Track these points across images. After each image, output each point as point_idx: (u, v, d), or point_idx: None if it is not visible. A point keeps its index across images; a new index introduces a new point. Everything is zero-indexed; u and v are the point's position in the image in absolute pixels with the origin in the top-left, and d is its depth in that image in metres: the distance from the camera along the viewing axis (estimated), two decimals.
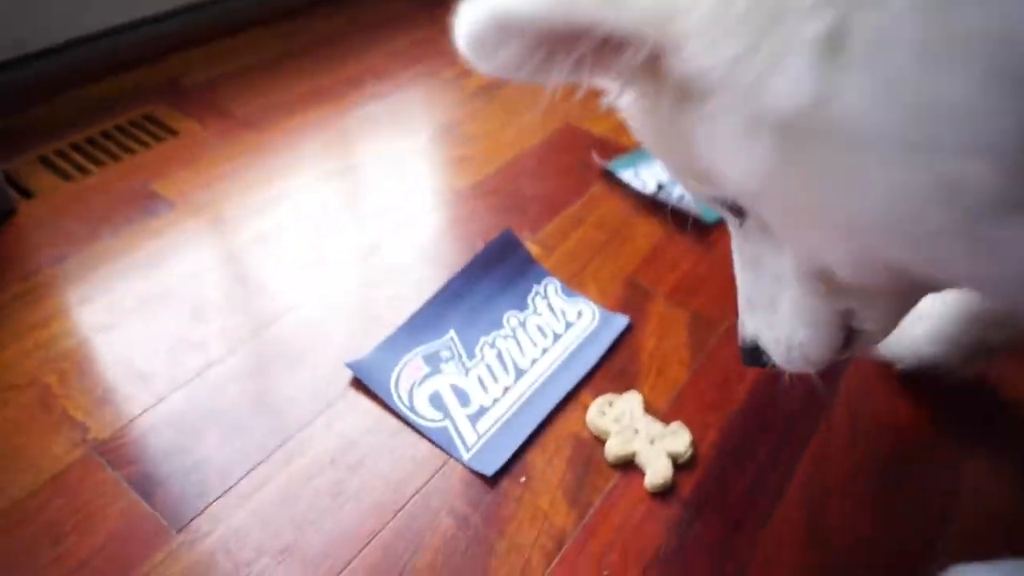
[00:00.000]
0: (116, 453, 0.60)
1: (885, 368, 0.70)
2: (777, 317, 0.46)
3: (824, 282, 0.42)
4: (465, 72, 1.19)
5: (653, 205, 0.91)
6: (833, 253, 0.38)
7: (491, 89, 1.15)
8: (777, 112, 0.30)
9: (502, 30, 0.33)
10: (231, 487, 0.58)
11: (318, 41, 1.24)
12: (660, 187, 0.93)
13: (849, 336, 0.46)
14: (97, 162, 0.93)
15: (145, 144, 0.97)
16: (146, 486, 0.57)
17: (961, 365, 0.66)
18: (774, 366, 0.50)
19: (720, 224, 0.89)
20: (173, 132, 0.99)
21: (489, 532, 0.56)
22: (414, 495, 0.58)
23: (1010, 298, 0.42)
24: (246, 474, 0.59)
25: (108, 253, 0.79)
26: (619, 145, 1.02)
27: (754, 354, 0.50)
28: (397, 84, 1.14)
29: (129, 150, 0.95)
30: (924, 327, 0.67)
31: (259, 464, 0.59)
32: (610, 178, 0.95)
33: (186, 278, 0.77)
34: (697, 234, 0.87)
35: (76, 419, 0.62)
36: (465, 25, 0.34)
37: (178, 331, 0.71)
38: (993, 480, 0.63)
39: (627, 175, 0.94)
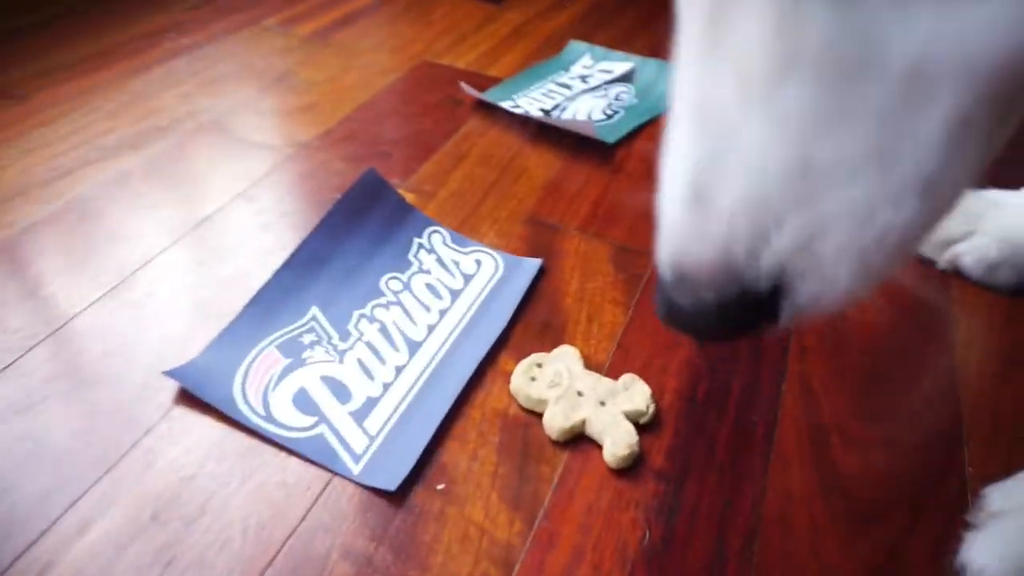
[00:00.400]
0: None
1: None
2: (897, 173, 0.21)
3: None
4: (294, 18, 0.99)
5: (541, 132, 0.76)
6: None
7: (326, 32, 0.96)
8: None
9: None
10: None
11: None
12: (545, 112, 0.78)
13: None
14: None
15: None
16: None
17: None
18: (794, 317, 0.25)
19: (621, 145, 0.76)
20: None
21: (406, 570, 0.39)
22: (288, 539, 0.40)
23: None
24: (10, 565, 0.38)
25: None
26: (487, 78, 0.87)
27: (767, 306, 0.24)
28: (208, 37, 0.93)
29: None
30: None
31: (30, 545, 0.38)
32: (486, 109, 0.79)
33: None
34: (599, 158, 0.73)
35: None
36: None
37: None
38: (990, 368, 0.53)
39: (506, 105, 0.79)
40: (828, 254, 0.22)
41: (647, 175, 0.71)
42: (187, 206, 0.64)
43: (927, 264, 0.62)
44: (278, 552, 0.39)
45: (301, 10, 1.02)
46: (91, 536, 0.39)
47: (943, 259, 0.61)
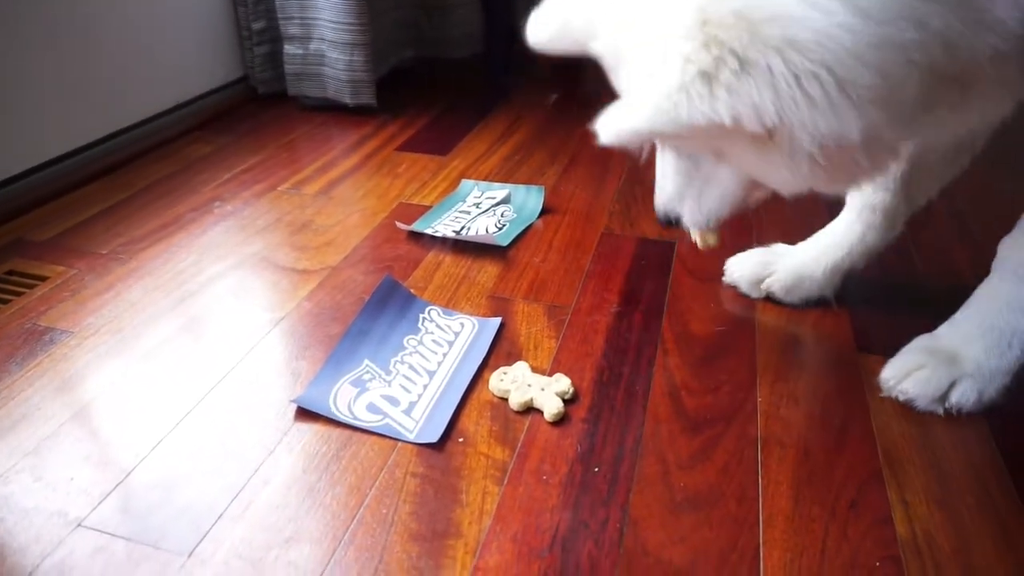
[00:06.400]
0: None
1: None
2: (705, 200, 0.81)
3: None
4: (301, 181, 1.37)
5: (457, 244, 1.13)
6: None
7: (328, 189, 1.33)
8: None
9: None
10: None
11: (155, 182, 1.36)
12: (456, 232, 1.14)
13: None
14: None
15: (17, 294, 1.02)
16: None
17: None
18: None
19: (514, 244, 1.13)
20: (42, 278, 1.05)
21: (448, 479, 0.71)
22: (381, 471, 0.72)
23: None
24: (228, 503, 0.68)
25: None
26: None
27: (678, 222, 0.84)
28: (243, 202, 1.29)
29: (3, 301, 1.00)
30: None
31: (248, 481, 0.69)
32: (415, 237, 1.15)
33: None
34: (499, 255, 1.10)
35: None
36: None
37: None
38: None
39: (429, 231, 1.15)
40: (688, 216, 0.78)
41: (528, 266, 1.08)
42: (268, 311, 0.97)
43: (745, 296, 0.99)
44: (376, 477, 0.71)
45: (305, 175, 1.40)
46: (279, 478, 0.70)
47: (758, 291, 0.98)
